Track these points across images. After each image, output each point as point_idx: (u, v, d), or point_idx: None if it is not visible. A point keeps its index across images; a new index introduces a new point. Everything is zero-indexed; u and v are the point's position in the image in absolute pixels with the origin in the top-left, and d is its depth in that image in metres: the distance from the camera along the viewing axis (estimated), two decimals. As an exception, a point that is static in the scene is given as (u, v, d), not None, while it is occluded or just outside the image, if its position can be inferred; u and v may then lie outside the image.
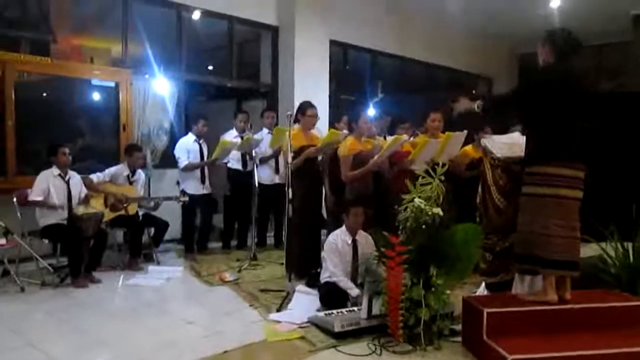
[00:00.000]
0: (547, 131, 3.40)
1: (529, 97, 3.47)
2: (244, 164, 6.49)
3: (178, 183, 6.31)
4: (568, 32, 3.56)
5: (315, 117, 5.34)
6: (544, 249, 3.33)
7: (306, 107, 5.28)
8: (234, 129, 6.53)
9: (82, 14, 6.76)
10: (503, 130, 4.79)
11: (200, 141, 6.28)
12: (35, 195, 4.95)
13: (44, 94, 6.40)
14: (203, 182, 6.27)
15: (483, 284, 4.16)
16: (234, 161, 6.49)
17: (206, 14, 7.25)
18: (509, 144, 3.90)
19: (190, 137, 6.27)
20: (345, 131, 5.17)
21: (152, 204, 5.90)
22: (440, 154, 4.85)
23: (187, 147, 6.19)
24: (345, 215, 4.29)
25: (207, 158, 6.27)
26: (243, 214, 6.58)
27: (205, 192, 6.30)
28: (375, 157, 4.79)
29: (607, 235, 4.12)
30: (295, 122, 5.18)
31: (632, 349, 3.13)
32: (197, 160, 6.22)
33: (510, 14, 8.68)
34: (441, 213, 3.48)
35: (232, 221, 6.64)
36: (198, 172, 6.23)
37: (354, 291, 4.07)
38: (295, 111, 5.33)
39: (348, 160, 4.83)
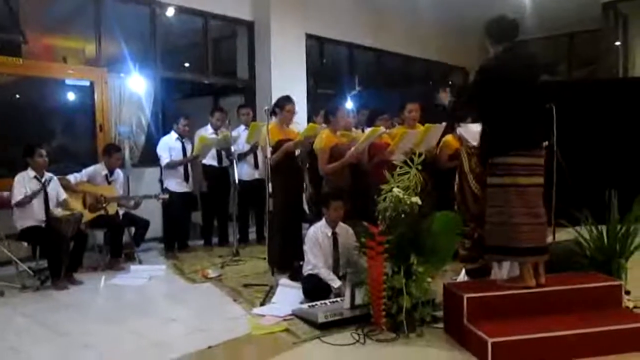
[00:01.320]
0: (501, 122, 3.44)
1: (480, 92, 3.52)
2: (220, 160, 6.48)
3: (161, 181, 6.29)
4: (503, 19, 3.57)
5: (293, 112, 5.34)
6: (512, 238, 3.39)
7: (284, 102, 5.28)
8: (209, 125, 6.50)
9: (54, 13, 6.66)
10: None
11: (183, 139, 6.26)
12: (19, 195, 4.87)
13: (17, 96, 6.31)
14: (186, 180, 6.25)
15: (463, 271, 4.24)
16: (209, 157, 6.46)
17: (180, 10, 7.21)
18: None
19: (172, 135, 6.24)
20: (324, 125, 5.19)
21: (132, 203, 5.86)
22: (419, 145, 4.90)
23: (170, 145, 6.16)
24: (325, 208, 4.32)
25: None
26: (221, 210, 6.58)
27: (187, 189, 6.28)
28: (352, 149, 4.82)
29: (581, 219, 4.22)
30: (272, 115, 5.18)
31: (609, 327, 3.23)
32: (181, 157, 6.19)
33: (482, 3, 8.75)
34: (419, 202, 3.53)
35: (211, 218, 6.63)
36: (181, 169, 6.21)
37: (335, 282, 4.10)
38: (272, 105, 5.33)
39: (325, 153, 4.85)
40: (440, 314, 3.66)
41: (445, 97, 5.10)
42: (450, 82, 11.83)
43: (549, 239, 4.06)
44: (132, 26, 6.91)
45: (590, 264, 3.98)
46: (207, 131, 6.43)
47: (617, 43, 9.66)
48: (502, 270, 3.79)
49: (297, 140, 5.16)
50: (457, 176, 4.22)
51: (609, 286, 3.61)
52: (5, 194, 5.07)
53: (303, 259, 4.48)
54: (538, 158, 3.47)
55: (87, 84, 6.26)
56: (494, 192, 3.50)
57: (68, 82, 6.32)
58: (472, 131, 4.04)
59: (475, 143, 3.90)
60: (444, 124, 5.05)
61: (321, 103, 7.52)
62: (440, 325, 3.60)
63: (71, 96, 6.51)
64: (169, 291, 4.97)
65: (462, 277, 4.22)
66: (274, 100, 5.66)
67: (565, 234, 4.52)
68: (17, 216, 4.95)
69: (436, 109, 5.41)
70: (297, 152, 5.35)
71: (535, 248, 3.42)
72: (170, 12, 7.16)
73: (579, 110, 6.51)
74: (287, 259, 4.98)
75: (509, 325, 3.20)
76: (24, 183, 4.94)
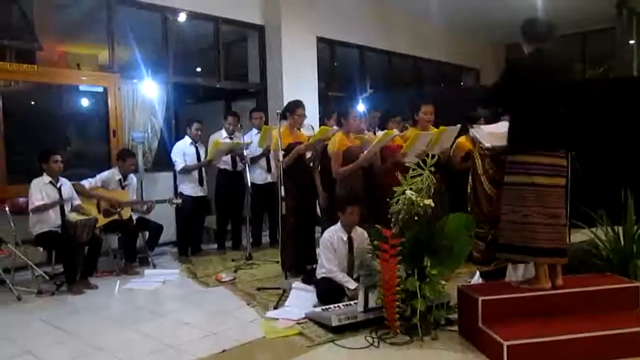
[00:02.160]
0: (524, 121, 3.44)
1: (506, 90, 3.51)
2: (234, 164, 6.50)
3: (176, 186, 6.32)
4: (537, 21, 3.58)
5: (303, 116, 5.37)
6: (528, 238, 3.37)
7: (295, 106, 5.30)
8: (223, 130, 6.54)
9: (67, 20, 6.74)
10: (494, 119, 4.84)
11: (197, 144, 6.29)
12: (37, 200, 4.94)
13: (32, 102, 6.38)
14: (201, 184, 6.29)
15: (477, 273, 4.20)
16: (223, 162, 6.50)
17: (192, 15, 7.25)
18: (497, 133, 3.92)
19: (186, 140, 6.29)
20: (335, 127, 5.19)
21: (145, 207, 5.90)
22: (433, 147, 4.87)
23: (184, 150, 6.21)
24: (340, 213, 4.30)
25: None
26: (235, 214, 6.60)
27: (202, 194, 6.32)
28: (365, 152, 4.81)
29: (597, 220, 4.17)
30: (283, 119, 5.20)
31: (625, 330, 3.18)
32: (195, 162, 6.23)
33: (494, 5, 8.73)
34: (432, 204, 3.51)
35: (224, 222, 6.65)
36: (196, 174, 6.26)
37: (351, 284, 4.09)
38: (283, 109, 5.34)
39: (338, 156, 4.85)
40: (454, 316, 3.63)
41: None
42: (462, 83, 11.81)
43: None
44: (144, 32, 6.97)
45: (606, 265, 3.94)
46: (222, 136, 6.47)
47: (631, 41, 9.56)
48: (517, 272, 3.76)
49: (308, 143, 5.17)
50: (470, 178, 4.19)
51: (626, 288, 3.57)
52: (21, 199, 5.13)
53: (316, 262, 4.47)
54: (560, 159, 3.45)
55: (101, 89, 6.32)
56: (510, 191, 3.48)
57: (82, 88, 6.38)
58: (484, 132, 4.01)
59: (488, 144, 3.88)
60: (458, 126, 5.01)
61: (333, 106, 7.51)
62: (455, 328, 3.58)
63: (85, 102, 6.57)
64: (182, 295, 4.99)
65: (477, 279, 4.19)
66: (285, 104, 5.68)
67: (580, 235, 4.46)
68: (33, 222, 5.02)
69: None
70: (309, 155, 5.36)
71: (553, 249, 3.39)
72: (182, 17, 7.21)
73: (594, 109, 6.43)
74: (300, 262, 4.99)
75: (525, 328, 3.17)
76: (39, 188, 5.00)
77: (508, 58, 3.54)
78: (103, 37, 6.60)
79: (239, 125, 6.42)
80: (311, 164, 5.39)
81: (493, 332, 3.13)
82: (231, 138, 6.41)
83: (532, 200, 3.37)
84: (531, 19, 3.58)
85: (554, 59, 3.53)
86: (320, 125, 6.51)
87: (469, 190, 4.17)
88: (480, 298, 3.30)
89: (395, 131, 5.05)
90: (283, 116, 5.23)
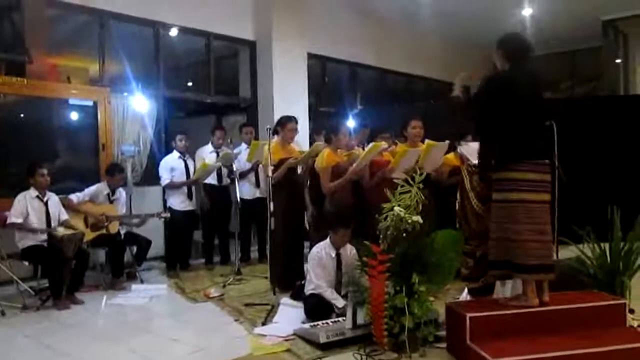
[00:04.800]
0: (506, 136, 3.44)
1: (484, 101, 3.53)
2: (220, 178, 6.49)
3: (164, 200, 6.29)
4: (519, 37, 3.62)
5: (295, 130, 5.38)
6: (518, 255, 3.37)
7: (286, 121, 5.32)
8: (210, 144, 6.54)
9: (58, 33, 6.74)
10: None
11: (186, 157, 6.28)
12: (14, 217, 4.90)
13: (21, 115, 6.35)
14: (190, 197, 6.26)
15: (465, 290, 4.20)
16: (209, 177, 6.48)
17: (183, 30, 7.29)
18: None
19: (174, 155, 6.27)
20: (324, 143, 5.21)
21: (135, 221, 5.86)
22: (422, 163, 4.90)
23: (172, 165, 6.18)
24: (332, 232, 4.30)
25: (193, 174, 6.27)
26: (222, 228, 6.58)
27: (190, 207, 6.29)
28: (354, 164, 4.83)
29: (584, 236, 4.19)
30: (274, 134, 5.21)
31: (614, 347, 3.19)
32: (184, 176, 6.21)
33: (484, 22, 8.85)
34: (421, 221, 3.52)
35: (212, 236, 6.62)
36: (185, 187, 6.22)
37: (339, 302, 4.07)
38: (274, 124, 5.36)
39: (327, 172, 4.86)
40: (443, 333, 3.62)
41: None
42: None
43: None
44: (135, 46, 6.98)
45: (593, 282, 3.95)
46: (208, 150, 6.47)
47: (618, 60, 9.71)
48: (505, 289, 3.76)
49: (299, 158, 5.18)
50: (458, 194, 4.21)
51: (612, 305, 3.58)
52: (7, 213, 5.07)
53: (305, 278, 4.46)
54: (544, 174, 3.47)
55: (91, 103, 6.30)
56: (498, 208, 3.49)
57: (72, 101, 6.37)
58: (473, 149, 4.04)
59: (475, 161, 3.90)
60: (447, 142, 5.05)
61: (323, 121, 7.56)
62: (443, 345, 3.56)
63: (74, 116, 6.56)
64: (170, 311, 4.94)
65: (465, 296, 4.19)
66: (276, 119, 5.70)
67: (567, 252, 4.49)
68: (19, 235, 4.97)
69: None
70: (299, 170, 5.36)
71: (541, 266, 3.40)
72: (173, 32, 7.25)
73: (581, 126, 6.51)
74: (289, 278, 4.97)
75: (513, 345, 3.17)
76: (25, 203, 4.96)
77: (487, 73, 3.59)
78: (94, 51, 6.61)
79: (228, 140, 6.42)
80: (300, 180, 5.40)
81: (481, 350, 3.12)
82: (217, 153, 6.40)
83: (522, 217, 3.39)
84: (512, 36, 3.62)
85: (530, 73, 3.56)
86: (309, 141, 6.53)
87: (457, 207, 4.19)
88: (469, 315, 3.29)
89: (384, 144, 5.07)
90: (274, 131, 5.24)
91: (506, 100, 3.43)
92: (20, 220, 4.91)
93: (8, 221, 4.91)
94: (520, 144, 3.42)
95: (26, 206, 4.97)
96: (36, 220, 5.00)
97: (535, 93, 3.51)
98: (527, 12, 8.85)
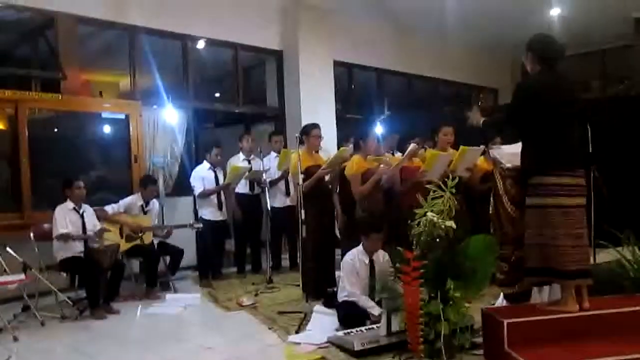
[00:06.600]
0: (542, 141, 3.38)
1: (520, 111, 3.46)
2: (252, 187, 6.56)
3: (196, 210, 6.37)
4: (549, 39, 3.52)
5: (319, 137, 5.40)
6: (555, 260, 3.30)
7: (310, 128, 5.36)
8: (241, 153, 6.60)
9: (90, 50, 6.92)
10: (513, 140, 4.79)
11: (216, 168, 6.35)
12: (61, 228, 5.02)
13: (56, 130, 6.53)
14: (220, 208, 6.32)
15: (501, 295, 4.12)
16: (241, 185, 6.55)
17: (211, 42, 7.39)
18: (518, 153, 3.89)
19: (205, 165, 6.34)
20: (350, 146, 5.22)
21: (164, 232, 5.95)
22: (456, 168, 4.85)
23: (202, 175, 6.26)
24: (364, 237, 4.28)
25: (223, 183, 6.35)
26: (254, 237, 6.62)
27: (221, 218, 6.35)
28: (382, 165, 4.83)
29: (623, 239, 4.08)
30: (300, 143, 5.23)
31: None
32: (213, 186, 6.28)
33: (511, 24, 8.73)
34: (454, 226, 3.48)
35: (243, 245, 6.67)
36: (215, 198, 6.28)
37: (375, 310, 4.02)
38: (300, 133, 5.39)
39: (357, 178, 4.86)
40: (479, 340, 3.57)
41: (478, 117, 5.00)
42: (479, 103, 11.77)
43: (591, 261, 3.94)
44: (165, 59, 7.11)
45: (633, 285, 3.84)
46: (240, 158, 6.54)
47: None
48: (543, 294, 3.69)
49: (327, 165, 5.17)
50: (492, 199, 4.15)
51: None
52: (46, 225, 5.20)
53: (336, 285, 4.44)
54: (580, 178, 3.40)
55: (123, 117, 6.44)
56: (534, 213, 3.42)
57: (104, 115, 6.53)
58: (505, 153, 3.98)
59: (509, 165, 3.84)
60: (482, 147, 4.99)
61: (350, 128, 7.55)
62: (480, 351, 3.51)
63: (107, 129, 6.71)
64: (204, 320, 4.99)
65: (501, 301, 4.11)
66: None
67: (606, 255, 4.38)
68: (57, 247, 5.08)
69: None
70: (327, 177, 5.37)
71: (579, 271, 3.32)
72: (201, 44, 7.35)
73: (616, 127, 6.36)
74: (321, 285, 4.96)
75: (552, 352, 3.10)
76: (63, 215, 5.08)
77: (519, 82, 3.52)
78: (125, 65, 6.77)
79: (257, 149, 6.48)
80: (330, 187, 5.40)
81: (520, 356, 3.06)
82: (249, 161, 6.47)
83: (558, 222, 3.32)
84: (543, 37, 3.52)
85: (563, 78, 3.48)
86: (338, 148, 6.53)
87: (491, 212, 4.13)
88: (506, 321, 3.23)
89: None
90: (300, 140, 5.27)
91: (538, 106, 3.36)
92: (67, 230, 5.02)
93: (57, 233, 5.02)
94: (554, 152, 3.35)
95: (64, 218, 5.08)
96: (74, 231, 5.10)
97: (568, 97, 3.43)
98: (555, 11, 8.70)
